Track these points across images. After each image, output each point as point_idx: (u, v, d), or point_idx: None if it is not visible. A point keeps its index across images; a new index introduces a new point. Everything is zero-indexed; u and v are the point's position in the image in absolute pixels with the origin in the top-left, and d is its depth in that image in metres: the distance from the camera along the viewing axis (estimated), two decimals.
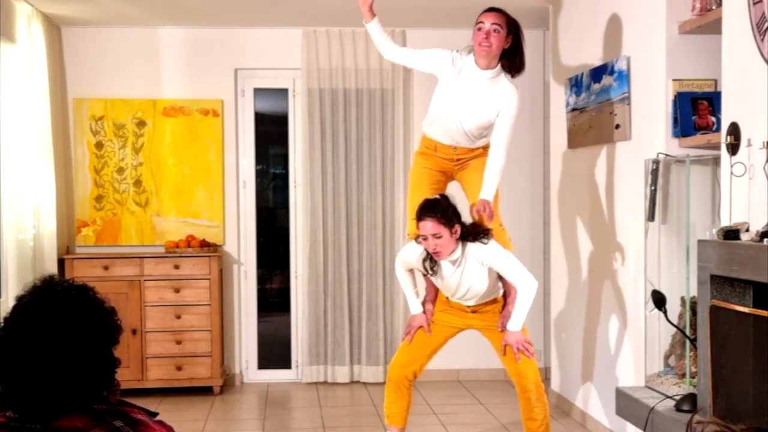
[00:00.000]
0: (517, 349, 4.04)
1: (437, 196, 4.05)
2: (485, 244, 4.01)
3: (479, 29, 4.05)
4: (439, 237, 3.92)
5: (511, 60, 4.12)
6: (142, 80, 6.39)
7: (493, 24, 4.03)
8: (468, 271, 4.04)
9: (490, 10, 4.11)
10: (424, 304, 4.33)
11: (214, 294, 6.11)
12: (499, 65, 4.11)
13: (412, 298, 4.30)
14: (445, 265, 4.06)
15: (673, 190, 4.20)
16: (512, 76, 4.16)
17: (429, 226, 3.92)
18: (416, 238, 4.09)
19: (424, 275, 4.22)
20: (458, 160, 4.31)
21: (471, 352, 5.64)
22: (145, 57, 6.38)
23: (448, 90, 4.16)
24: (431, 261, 4.08)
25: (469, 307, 4.21)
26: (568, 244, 5.53)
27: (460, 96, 4.13)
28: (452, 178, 4.43)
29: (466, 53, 4.16)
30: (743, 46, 3.28)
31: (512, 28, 4.10)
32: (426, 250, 4.03)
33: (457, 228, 3.96)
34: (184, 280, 6.07)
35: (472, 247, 4.01)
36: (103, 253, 6.20)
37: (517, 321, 4.04)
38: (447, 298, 4.26)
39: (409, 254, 4.17)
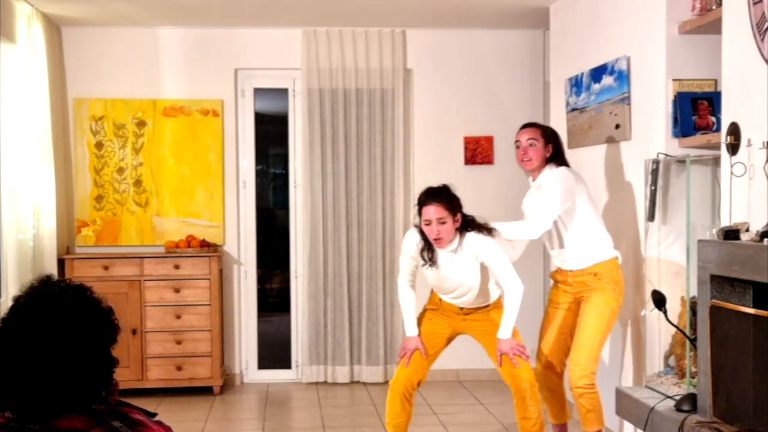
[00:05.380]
0: (513, 354, 4.05)
1: (442, 184, 4.10)
2: (483, 234, 4.04)
3: (518, 147, 4.30)
4: (443, 223, 3.98)
5: (557, 162, 4.29)
6: (142, 80, 6.38)
7: (528, 139, 4.25)
8: (462, 262, 4.05)
9: (525, 126, 4.35)
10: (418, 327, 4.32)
11: (214, 294, 6.10)
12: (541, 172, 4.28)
13: (410, 319, 4.27)
14: (441, 254, 4.08)
15: (673, 190, 4.20)
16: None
17: (433, 210, 3.98)
18: (417, 225, 4.10)
19: (422, 265, 4.20)
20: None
21: (471, 352, 5.60)
22: (145, 57, 6.38)
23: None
24: (429, 251, 4.09)
25: (462, 309, 4.22)
26: None
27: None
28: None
29: None
30: (743, 46, 3.28)
31: (550, 137, 4.29)
32: (424, 240, 4.05)
33: (459, 217, 4.03)
34: (184, 280, 6.07)
35: (470, 236, 4.04)
36: (103, 253, 6.20)
37: (506, 328, 4.05)
38: (439, 299, 4.26)
39: (409, 245, 4.16)
